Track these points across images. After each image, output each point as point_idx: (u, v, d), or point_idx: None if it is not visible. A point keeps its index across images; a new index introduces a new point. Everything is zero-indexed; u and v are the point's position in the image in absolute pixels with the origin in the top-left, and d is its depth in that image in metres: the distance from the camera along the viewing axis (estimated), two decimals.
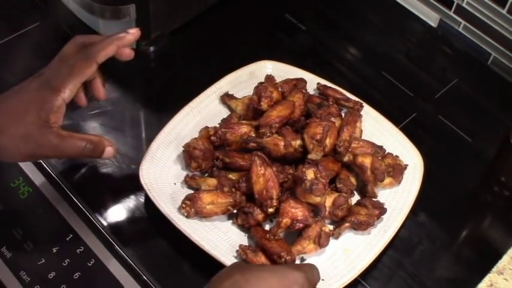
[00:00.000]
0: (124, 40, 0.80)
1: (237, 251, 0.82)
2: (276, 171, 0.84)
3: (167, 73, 1.03)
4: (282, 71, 1.00)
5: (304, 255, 0.83)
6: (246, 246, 0.82)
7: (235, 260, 0.81)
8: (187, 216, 0.83)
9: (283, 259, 0.79)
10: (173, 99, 0.96)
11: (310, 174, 0.80)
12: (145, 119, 0.99)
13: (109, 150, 0.79)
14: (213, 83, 0.97)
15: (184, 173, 0.88)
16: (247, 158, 0.87)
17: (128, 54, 0.81)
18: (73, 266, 0.81)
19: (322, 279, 0.81)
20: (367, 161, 0.86)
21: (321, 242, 0.82)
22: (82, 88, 0.81)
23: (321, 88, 0.98)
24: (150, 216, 0.86)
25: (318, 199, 0.81)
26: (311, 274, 0.70)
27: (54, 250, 0.82)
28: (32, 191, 0.86)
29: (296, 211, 0.81)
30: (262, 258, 0.80)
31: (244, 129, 0.90)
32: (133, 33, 0.81)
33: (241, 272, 0.66)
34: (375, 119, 0.96)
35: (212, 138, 0.90)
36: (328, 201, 0.84)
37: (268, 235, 0.81)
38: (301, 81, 0.98)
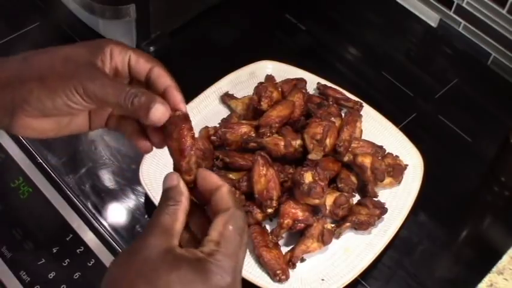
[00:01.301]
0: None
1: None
2: (276, 171, 0.84)
3: None
4: (282, 71, 1.00)
5: (305, 256, 0.83)
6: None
7: None
8: None
9: (277, 277, 0.79)
10: None
11: (308, 177, 0.80)
12: None
13: (159, 108, 0.58)
14: (213, 83, 0.97)
15: None
16: (248, 157, 0.87)
17: (144, 146, 0.64)
18: (73, 266, 0.81)
19: (322, 279, 0.81)
20: (367, 161, 0.86)
21: (324, 239, 0.82)
22: (141, 132, 0.64)
23: (321, 88, 0.98)
24: (150, 216, 0.86)
25: (316, 201, 0.81)
26: None
27: (54, 250, 0.82)
28: (32, 191, 0.86)
29: (296, 211, 0.81)
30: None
31: (244, 129, 0.90)
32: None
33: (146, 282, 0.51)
34: (375, 119, 0.96)
35: (212, 138, 0.90)
36: (329, 200, 0.84)
37: (271, 236, 0.81)
38: (301, 81, 0.98)
